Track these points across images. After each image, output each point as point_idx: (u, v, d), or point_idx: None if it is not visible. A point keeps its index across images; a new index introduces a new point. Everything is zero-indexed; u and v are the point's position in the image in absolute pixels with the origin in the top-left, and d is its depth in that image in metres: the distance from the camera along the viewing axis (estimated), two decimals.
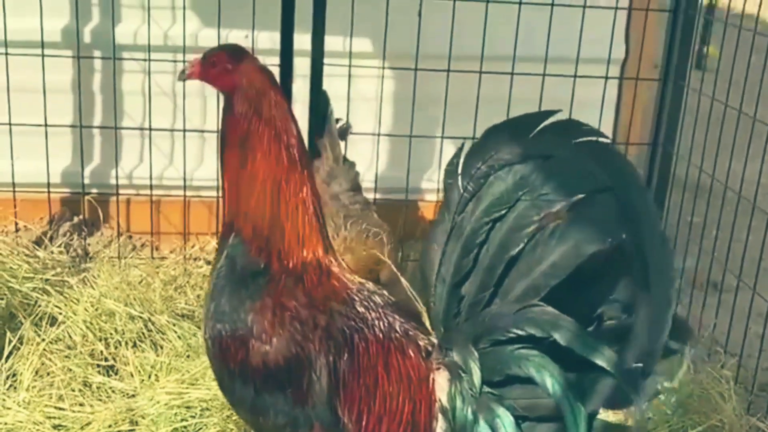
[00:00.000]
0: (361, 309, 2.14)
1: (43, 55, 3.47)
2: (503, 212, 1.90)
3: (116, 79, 3.71)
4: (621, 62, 4.13)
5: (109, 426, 2.76)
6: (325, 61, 3.53)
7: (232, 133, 2.14)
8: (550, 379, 1.86)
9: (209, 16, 3.71)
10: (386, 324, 2.13)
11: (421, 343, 2.11)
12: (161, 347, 3.18)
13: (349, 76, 3.62)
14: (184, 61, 3.60)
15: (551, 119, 1.95)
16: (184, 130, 3.70)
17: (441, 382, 2.05)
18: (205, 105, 3.90)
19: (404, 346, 2.11)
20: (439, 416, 2.05)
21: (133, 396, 2.96)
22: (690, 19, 3.77)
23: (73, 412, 2.84)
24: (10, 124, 3.47)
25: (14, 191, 3.63)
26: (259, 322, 2.08)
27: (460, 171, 1.98)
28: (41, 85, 3.49)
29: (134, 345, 3.17)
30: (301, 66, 3.60)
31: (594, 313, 1.89)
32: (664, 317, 1.85)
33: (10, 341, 3.05)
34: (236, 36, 3.73)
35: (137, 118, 3.87)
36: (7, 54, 3.49)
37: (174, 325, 3.24)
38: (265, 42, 3.68)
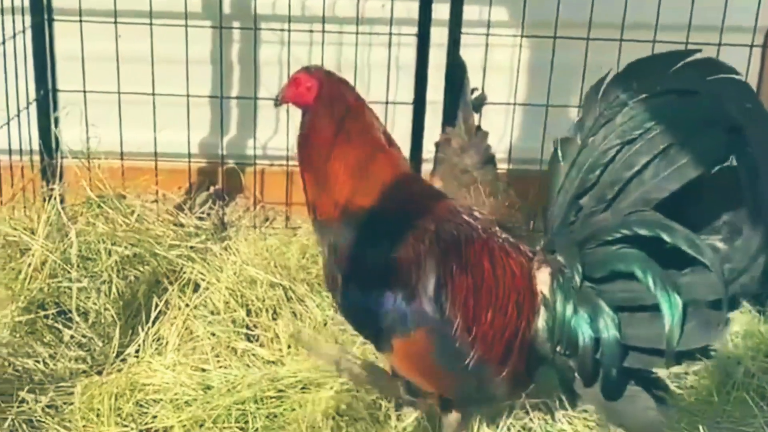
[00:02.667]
0: (466, 218, 2.39)
1: (186, 26, 3.54)
2: (634, 137, 2.09)
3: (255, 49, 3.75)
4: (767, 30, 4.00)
5: (255, 393, 2.80)
6: (462, 30, 3.51)
7: (316, 137, 2.41)
8: (650, 274, 2.05)
9: None
10: (490, 230, 2.40)
11: (523, 247, 2.37)
12: (300, 316, 3.21)
13: (486, 45, 3.59)
14: (323, 31, 3.64)
15: (693, 57, 2.11)
16: None
17: (543, 277, 2.26)
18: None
19: (507, 247, 2.35)
20: (542, 308, 2.25)
21: (275, 364, 3.00)
22: None
23: (221, 374, 2.89)
24: (153, 94, 3.54)
25: (156, 161, 3.71)
26: (378, 235, 2.33)
27: (600, 96, 2.16)
28: (183, 57, 3.56)
29: (274, 312, 3.21)
30: (438, 35, 3.58)
31: (700, 226, 2.08)
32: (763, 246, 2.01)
33: (157, 305, 3.12)
34: (373, 6, 3.74)
35: (273, 88, 3.91)
36: (151, 25, 3.55)
37: (312, 293, 3.28)
38: (402, 11, 3.67)
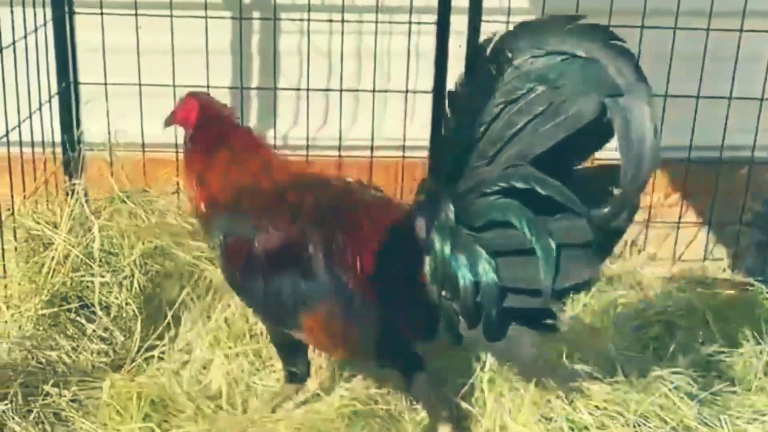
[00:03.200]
0: (339, 185, 2.64)
1: (206, 17, 3.54)
2: (518, 96, 2.17)
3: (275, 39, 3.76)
4: None
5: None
6: (482, 18, 3.49)
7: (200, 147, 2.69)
8: (525, 222, 2.19)
9: None
10: (365, 192, 2.61)
11: (397, 201, 2.58)
12: None
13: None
14: (342, 21, 3.64)
15: (580, 21, 2.17)
16: (341, 90, 3.73)
17: (423, 226, 2.38)
18: (360, 65, 3.92)
19: (384, 203, 2.57)
20: (425, 255, 2.37)
21: None
22: None
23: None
24: (174, 86, 3.54)
25: (177, 152, 3.72)
26: (254, 218, 2.54)
27: (488, 53, 2.21)
28: (203, 48, 3.57)
29: None
30: (457, 23, 3.57)
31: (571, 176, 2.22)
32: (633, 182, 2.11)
33: (178, 301, 3.17)
34: None
35: (293, 78, 3.91)
36: (172, 16, 3.55)
37: None
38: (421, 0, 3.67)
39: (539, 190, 2.17)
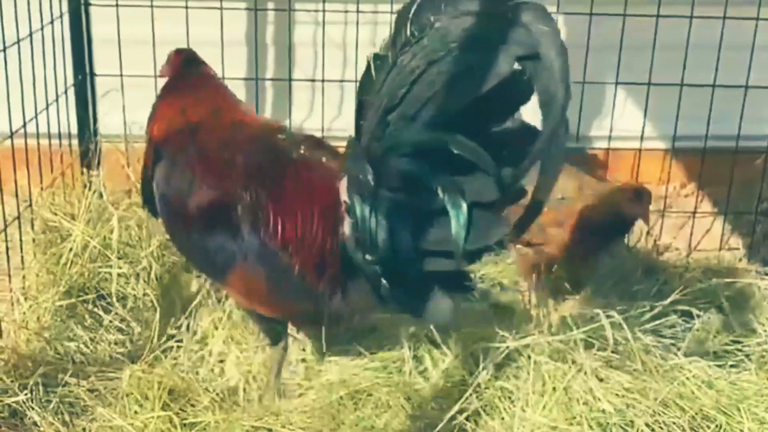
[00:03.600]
0: (271, 143, 2.65)
1: (221, 8, 3.55)
2: (438, 57, 2.19)
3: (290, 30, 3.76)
4: None
5: None
6: None
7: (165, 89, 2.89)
8: (439, 182, 2.22)
9: None
10: (296, 151, 2.62)
11: (330, 162, 2.56)
12: None
13: None
14: (357, 12, 3.64)
15: None
16: (356, 81, 3.71)
17: (344, 188, 2.39)
18: None
19: (312, 164, 2.58)
20: (345, 217, 2.41)
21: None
22: None
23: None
24: None
25: None
26: (188, 176, 2.62)
27: (411, 15, 2.21)
28: (218, 39, 3.57)
29: None
30: None
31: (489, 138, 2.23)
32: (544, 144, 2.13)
33: (196, 292, 3.19)
34: None
35: (308, 69, 3.92)
36: (187, 8, 3.56)
37: None
38: None
39: (452, 148, 2.19)
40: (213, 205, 2.58)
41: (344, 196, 2.40)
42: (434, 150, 2.22)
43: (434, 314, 2.37)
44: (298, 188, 2.54)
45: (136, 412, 2.68)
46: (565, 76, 2.10)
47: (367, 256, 2.36)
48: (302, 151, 2.63)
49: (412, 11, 2.21)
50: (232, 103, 2.84)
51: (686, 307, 3.16)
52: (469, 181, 2.23)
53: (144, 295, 3.17)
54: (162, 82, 2.95)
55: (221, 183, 2.58)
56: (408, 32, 2.22)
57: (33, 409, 2.66)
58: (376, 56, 2.29)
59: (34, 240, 3.29)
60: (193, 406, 2.74)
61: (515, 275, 3.48)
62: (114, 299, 3.14)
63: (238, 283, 2.60)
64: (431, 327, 2.90)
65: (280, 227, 2.50)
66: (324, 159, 2.59)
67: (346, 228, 2.42)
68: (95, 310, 3.13)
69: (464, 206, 2.20)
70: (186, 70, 2.90)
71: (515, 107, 2.24)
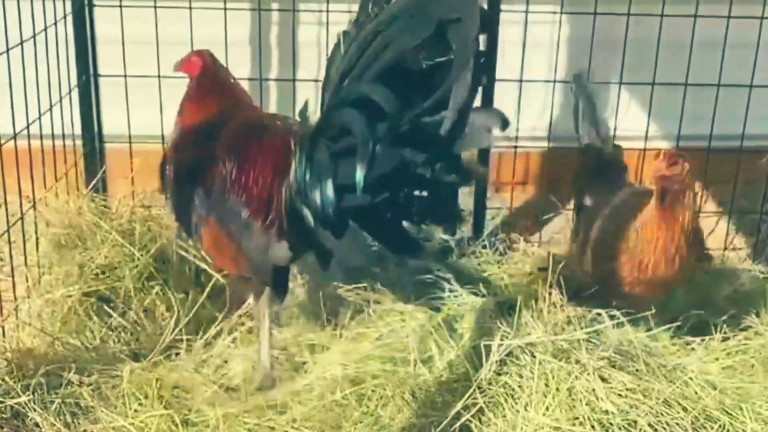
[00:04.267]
0: (247, 113, 2.99)
1: (225, 9, 3.55)
2: (383, 28, 2.45)
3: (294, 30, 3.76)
4: None
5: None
6: (502, 7, 3.50)
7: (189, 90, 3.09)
8: (358, 124, 2.43)
9: None
10: (263, 120, 2.96)
11: (291, 126, 2.80)
12: None
13: (526, 22, 3.57)
14: None
15: None
16: None
17: (296, 140, 2.66)
18: None
19: (275, 127, 2.84)
20: (292, 169, 2.64)
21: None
22: None
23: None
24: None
25: None
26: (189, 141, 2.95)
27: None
28: (222, 39, 3.57)
29: None
30: None
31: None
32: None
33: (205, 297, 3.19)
34: None
35: (312, 69, 3.92)
36: (191, 8, 3.56)
37: None
38: None
39: (367, 94, 2.44)
40: (188, 167, 2.87)
41: (294, 149, 2.67)
42: (366, 101, 2.45)
43: (353, 252, 2.60)
44: (261, 150, 2.77)
45: (136, 411, 2.68)
46: (471, 44, 2.36)
47: (303, 200, 2.61)
48: (277, 122, 2.90)
49: None
50: (245, 102, 3.08)
51: (689, 307, 3.16)
52: (383, 124, 2.44)
53: (152, 298, 3.18)
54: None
55: (204, 149, 2.84)
56: (369, 10, 2.52)
57: (35, 410, 2.65)
58: (344, 33, 2.58)
59: (37, 240, 3.29)
60: (194, 404, 2.74)
61: (520, 273, 3.49)
62: (123, 301, 3.15)
63: (208, 239, 2.83)
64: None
65: (240, 185, 2.74)
66: (292, 125, 2.83)
67: (291, 177, 2.65)
68: (102, 311, 3.13)
69: (369, 141, 2.41)
70: (209, 73, 3.08)
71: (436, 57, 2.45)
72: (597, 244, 3.06)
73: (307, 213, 2.62)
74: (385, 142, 2.43)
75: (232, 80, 3.11)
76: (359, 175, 2.41)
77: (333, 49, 2.58)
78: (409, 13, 2.44)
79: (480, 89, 3.45)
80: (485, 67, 3.41)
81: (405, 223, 2.60)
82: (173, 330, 3.02)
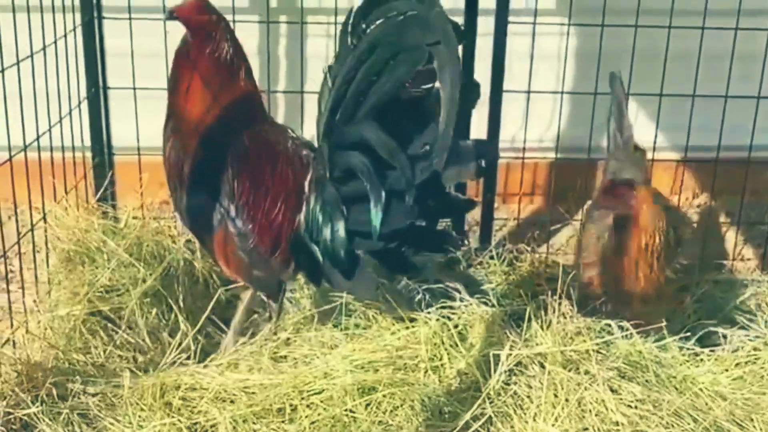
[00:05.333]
0: (263, 134, 2.97)
1: (234, 21, 3.55)
2: (366, 58, 2.53)
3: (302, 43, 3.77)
4: None
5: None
6: (509, 18, 3.51)
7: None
8: (365, 171, 2.55)
9: None
10: (281, 142, 2.94)
11: (306, 156, 2.88)
12: None
13: (534, 34, 3.58)
14: None
15: None
16: None
17: (308, 179, 2.81)
18: None
19: (290, 155, 2.89)
20: (303, 204, 2.80)
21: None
22: None
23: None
24: None
25: None
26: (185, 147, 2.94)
27: (349, 30, 2.60)
28: None
29: None
30: (484, 25, 3.58)
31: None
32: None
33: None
34: None
35: (320, 82, 3.91)
36: None
37: None
38: (449, 1, 3.65)
39: (372, 146, 2.54)
40: (200, 174, 2.90)
41: (306, 189, 2.80)
42: (363, 143, 2.56)
43: (360, 289, 2.79)
44: (274, 182, 2.85)
45: (143, 419, 2.68)
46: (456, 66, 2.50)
47: (312, 239, 2.75)
48: (289, 145, 2.93)
49: (350, 24, 2.59)
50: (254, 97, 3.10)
51: (698, 318, 3.16)
52: (393, 172, 2.54)
53: (158, 313, 3.18)
54: None
55: (211, 157, 2.89)
56: (349, 42, 2.59)
57: (44, 421, 2.65)
58: (329, 68, 2.66)
59: (47, 253, 3.30)
60: (200, 400, 2.75)
61: (528, 284, 3.49)
62: (126, 316, 3.13)
63: (215, 248, 2.92)
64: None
65: (250, 216, 2.84)
66: (305, 154, 2.89)
67: (302, 214, 2.79)
68: (109, 325, 3.12)
69: (382, 194, 2.53)
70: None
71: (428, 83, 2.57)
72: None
73: (316, 251, 2.76)
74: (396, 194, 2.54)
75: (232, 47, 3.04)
76: (376, 222, 2.54)
77: (321, 84, 2.67)
78: (387, 40, 2.51)
79: (488, 101, 3.58)
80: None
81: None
82: (179, 346, 3.00)
